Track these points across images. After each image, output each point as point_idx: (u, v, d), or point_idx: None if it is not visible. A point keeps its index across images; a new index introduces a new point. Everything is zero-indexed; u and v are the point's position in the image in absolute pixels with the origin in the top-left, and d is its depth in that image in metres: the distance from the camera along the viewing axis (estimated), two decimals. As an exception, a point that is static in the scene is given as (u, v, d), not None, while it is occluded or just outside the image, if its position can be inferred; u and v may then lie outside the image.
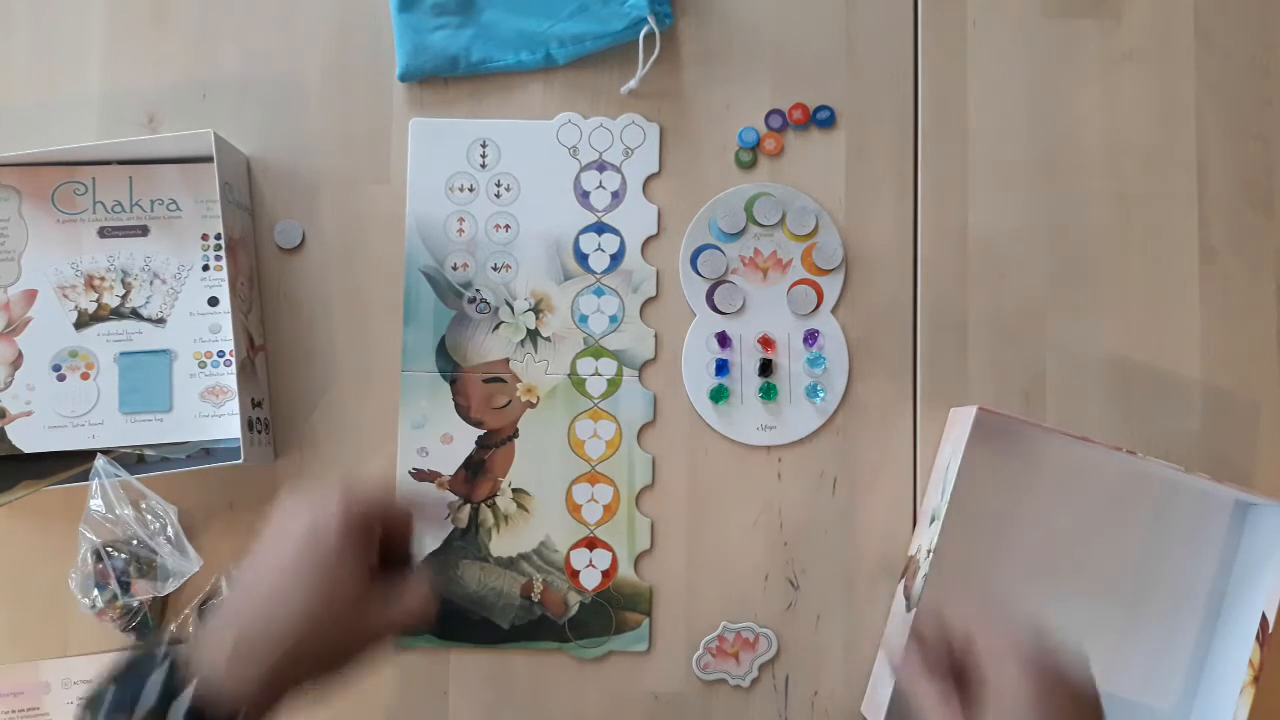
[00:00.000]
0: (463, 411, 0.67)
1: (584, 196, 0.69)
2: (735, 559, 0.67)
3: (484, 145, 0.69)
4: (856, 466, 0.67)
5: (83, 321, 0.65)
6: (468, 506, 0.67)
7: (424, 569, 0.63)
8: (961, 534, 0.64)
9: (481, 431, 0.67)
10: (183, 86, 0.69)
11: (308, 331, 0.68)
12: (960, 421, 0.63)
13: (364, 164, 0.69)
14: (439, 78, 0.69)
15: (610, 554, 0.67)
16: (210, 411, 0.65)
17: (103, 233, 0.66)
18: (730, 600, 0.67)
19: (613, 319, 0.68)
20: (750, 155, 0.69)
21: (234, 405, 0.64)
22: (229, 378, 0.65)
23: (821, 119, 0.69)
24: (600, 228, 0.69)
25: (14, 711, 0.65)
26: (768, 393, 0.67)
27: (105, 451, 0.63)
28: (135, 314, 0.66)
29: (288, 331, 0.68)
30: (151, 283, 0.66)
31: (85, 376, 0.65)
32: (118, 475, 0.61)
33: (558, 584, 0.66)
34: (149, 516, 0.62)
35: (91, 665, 0.65)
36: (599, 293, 0.68)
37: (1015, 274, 0.69)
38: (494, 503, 0.67)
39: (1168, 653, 0.66)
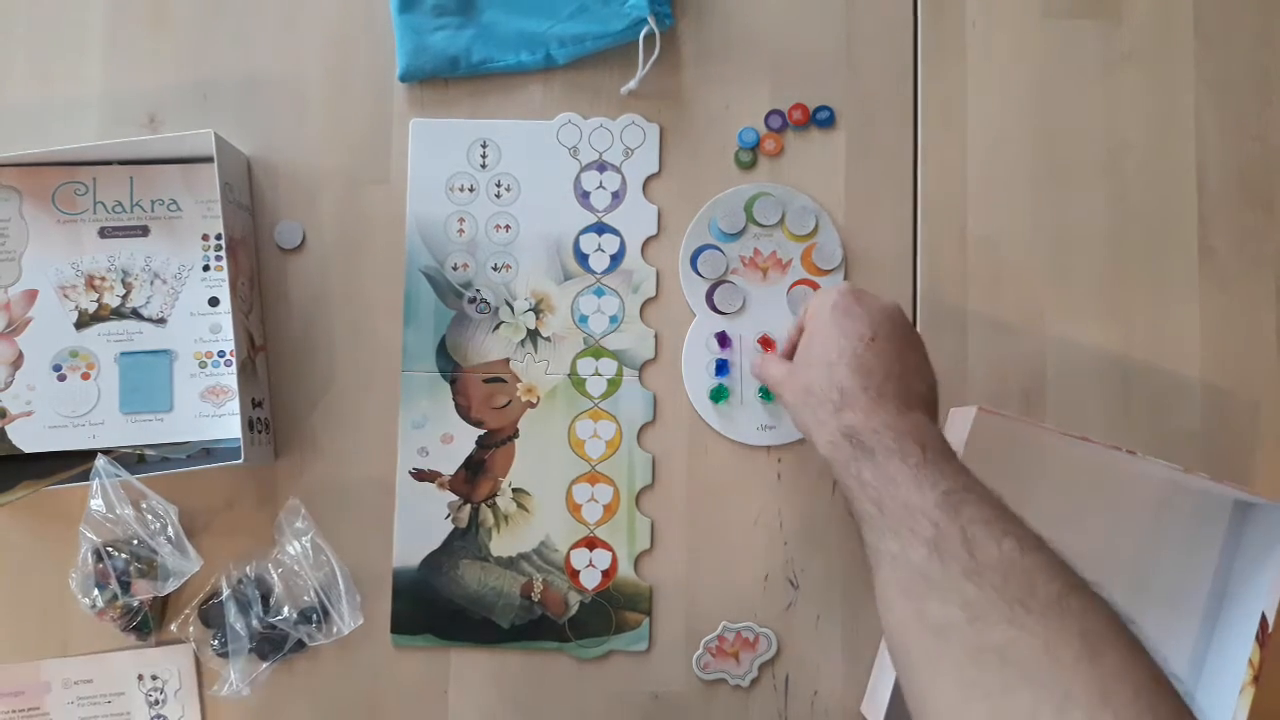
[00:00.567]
0: (463, 411, 0.67)
1: (584, 197, 0.69)
2: (735, 559, 0.67)
3: (484, 145, 0.69)
4: (856, 466, 0.67)
5: (83, 321, 0.65)
6: (468, 506, 0.67)
7: None
8: (961, 534, 0.64)
9: (481, 431, 0.67)
10: (183, 86, 0.69)
11: (308, 331, 0.68)
12: (960, 421, 0.63)
13: (364, 164, 0.69)
14: (439, 78, 0.69)
15: (610, 554, 0.67)
16: (210, 411, 0.65)
17: (103, 233, 0.66)
18: (730, 600, 0.67)
19: (613, 319, 0.68)
20: (750, 155, 0.69)
21: (234, 405, 0.64)
22: (229, 378, 0.65)
23: (821, 119, 0.69)
24: (600, 228, 0.69)
25: (14, 711, 0.65)
26: (768, 393, 0.67)
27: (105, 451, 0.63)
28: (136, 314, 0.66)
29: (288, 331, 0.68)
30: (152, 283, 0.66)
31: (86, 376, 0.65)
32: (118, 475, 0.61)
33: (558, 584, 0.66)
34: (149, 516, 0.62)
35: (91, 665, 0.65)
36: (599, 293, 0.68)
37: (1015, 274, 0.69)
38: (494, 503, 0.67)
39: (1167, 652, 0.65)
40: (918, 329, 0.68)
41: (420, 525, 0.66)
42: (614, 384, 0.68)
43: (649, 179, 0.69)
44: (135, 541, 0.62)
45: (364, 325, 0.68)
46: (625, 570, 0.67)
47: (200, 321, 0.66)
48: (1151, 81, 0.70)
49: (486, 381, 0.68)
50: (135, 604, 0.63)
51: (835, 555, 0.67)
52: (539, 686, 0.66)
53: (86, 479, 0.61)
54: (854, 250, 0.69)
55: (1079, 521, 0.66)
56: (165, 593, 0.63)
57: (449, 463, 0.67)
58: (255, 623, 0.64)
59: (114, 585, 0.62)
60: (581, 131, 0.69)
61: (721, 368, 0.67)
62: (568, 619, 0.66)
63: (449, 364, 0.68)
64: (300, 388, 0.67)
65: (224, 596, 0.64)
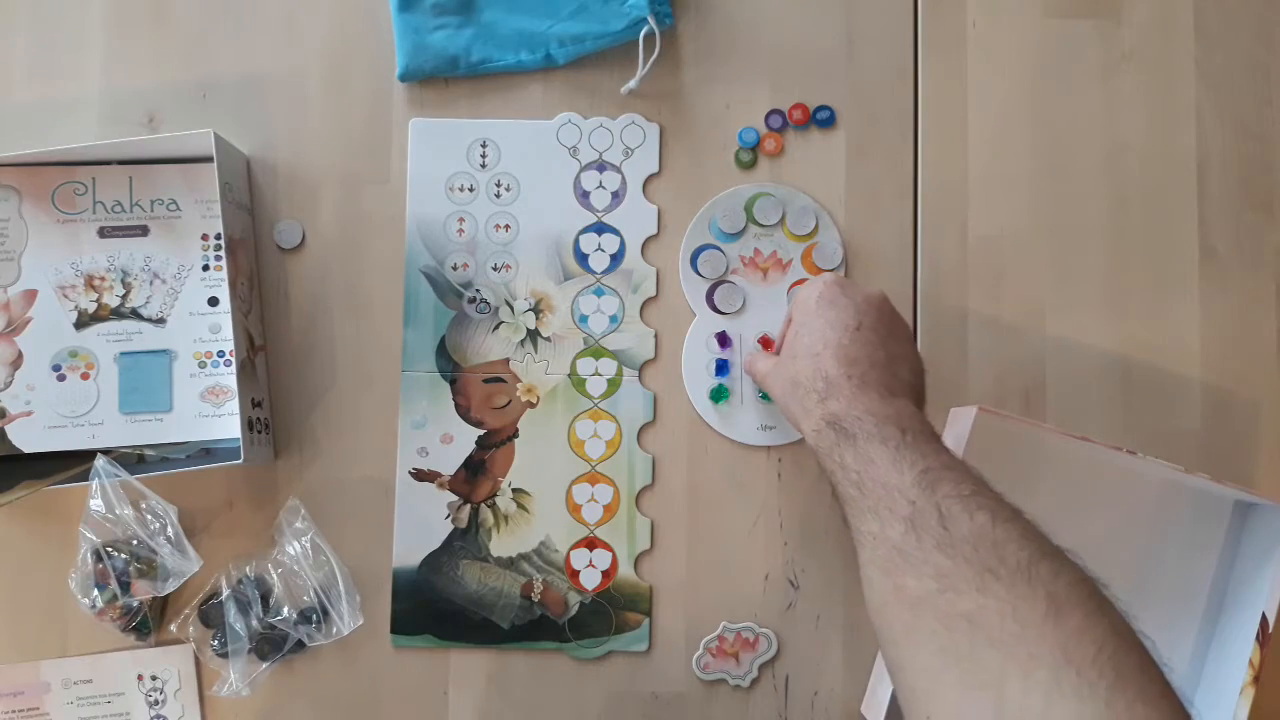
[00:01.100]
0: (463, 411, 0.67)
1: (584, 196, 0.69)
2: (735, 559, 0.67)
3: (484, 145, 0.69)
4: (856, 466, 0.67)
5: (83, 321, 0.65)
6: (468, 506, 0.67)
7: None
8: (961, 534, 0.64)
9: (481, 431, 0.67)
10: (183, 86, 0.69)
11: (308, 331, 0.68)
12: (960, 421, 0.63)
13: (364, 164, 0.69)
14: (439, 78, 0.69)
15: (610, 554, 0.67)
16: (210, 411, 0.65)
17: (103, 233, 0.66)
18: (730, 600, 0.67)
19: (613, 319, 0.68)
20: (750, 155, 0.69)
21: (234, 405, 0.64)
22: (229, 378, 0.65)
23: (821, 119, 0.69)
24: (600, 228, 0.69)
25: (14, 711, 0.65)
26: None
27: (105, 451, 0.63)
28: (135, 314, 0.66)
29: (288, 331, 0.68)
30: (151, 283, 0.66)
31: (85, 376, 0.65)
32: (118, 475, 0.61)
33: (558, 584, 0.66)
34: (149, 516, 0.62)
35: (91, 665, 0.65)
36: (599, 293, 0.68)
37: (1015, 274, 0.69)
38: (494, 503, 0.67)
39: (1167, 653, 0.65)
40: (918, 329, 0.68)
41: (420, 525, 0.66)
42: (614, 384, 0.68)
43: (649, 179, 0.69)
44: (135, 542, 0.62)
45: (364, 325, 0.68)
46: (625, 570, 0.67)
47: (200, 321, 0.66)
48: (1151, 81, 0.70)
49: (486, 381, 0.68)
50: (135, 604, 0.63)
51: (835, 555, 0.67)
52: (539, 687, 0.66)
53: (86, 479, 0.61)
54: (854, 250, 0.69)
55: (1079, 521, 0.66)
56: (165, 593, 0.63)
57: (449, 463, 0.67)
58: (255, 623, 0.64)
59: (113, 585, 0.62)
60: (581, 131, 0.69)
61: (721, 368, 0.67)
62: (568, 619, 0.66)
63: (449, 364, 0.68)
64: (300, 388, 0.67)
65: (224, 596, 0.64)
